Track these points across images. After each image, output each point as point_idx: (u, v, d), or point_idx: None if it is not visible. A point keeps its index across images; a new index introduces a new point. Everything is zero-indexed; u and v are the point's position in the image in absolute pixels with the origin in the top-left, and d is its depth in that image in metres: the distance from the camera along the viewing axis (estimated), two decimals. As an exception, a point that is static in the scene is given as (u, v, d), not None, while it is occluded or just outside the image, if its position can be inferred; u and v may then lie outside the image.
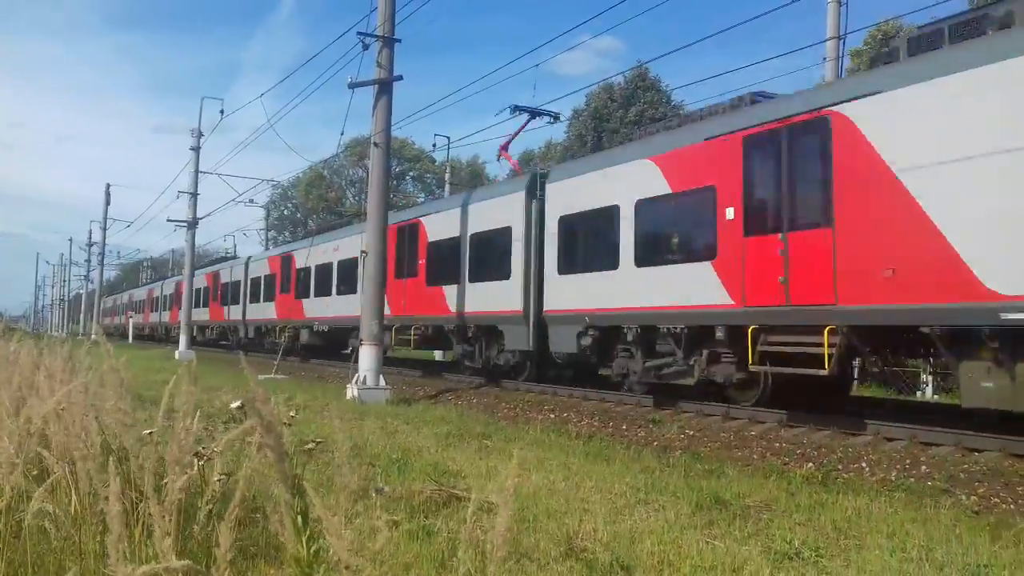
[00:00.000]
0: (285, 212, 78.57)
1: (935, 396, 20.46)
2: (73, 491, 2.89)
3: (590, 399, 15.20)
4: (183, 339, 35.74)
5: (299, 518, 2.02)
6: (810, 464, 9.61)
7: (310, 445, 3.25)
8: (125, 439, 2.70)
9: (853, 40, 33.92)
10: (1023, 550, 5.70)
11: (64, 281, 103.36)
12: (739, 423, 11.85)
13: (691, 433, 11.65)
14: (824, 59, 19.51)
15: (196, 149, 36.40)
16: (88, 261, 77.73)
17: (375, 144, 17.20)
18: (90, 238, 74.48)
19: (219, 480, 2.75)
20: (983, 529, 6.45)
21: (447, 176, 44.27)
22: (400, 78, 17.32)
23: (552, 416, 13.91)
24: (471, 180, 63.21)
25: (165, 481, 2.44)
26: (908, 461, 9.15)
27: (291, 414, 3.08)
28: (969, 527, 6.48)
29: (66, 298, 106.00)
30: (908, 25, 30.69)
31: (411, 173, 75.31)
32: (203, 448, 2.87)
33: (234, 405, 2.71)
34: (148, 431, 2.70)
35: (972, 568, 5.16)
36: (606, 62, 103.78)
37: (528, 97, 72.18)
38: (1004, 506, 7.73)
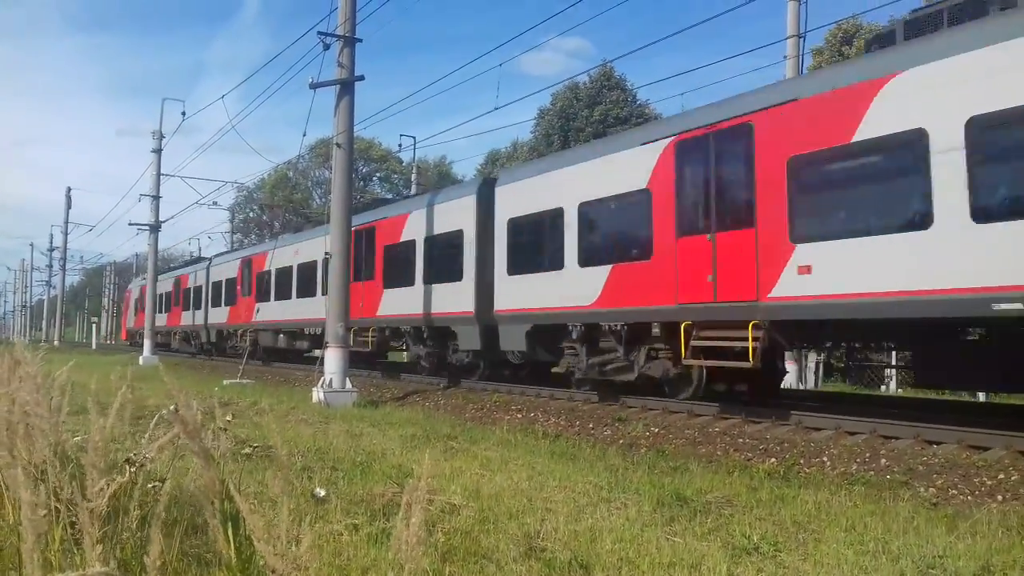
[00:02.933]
0: (251, 214, 77.85)
1: (899, 390, 20.75)
2: (6, 499, 2.81)
3: (557, 398, 15.20)
4: (147, 344, 35.26)
5: (229, 523, 1.96)
6: (772, 459, 9.69)
7: (247, 450, 3.18)
8: (42, 446, 2.62)
9: (814, 38, 34.33)
10: (979, 541, 5.78)
11: (26, 287, 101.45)
12: (704, 419, 11.91)
13: (656, 430, 11.69)
14: (785, 57, 19.72)
15: (158, 151, 35.93)
16: (50, 266, 76.59)
17: (337, 145, 17.05)
18: (51, 243, 73.33)
19: (153, 486, 2.69)
20: (940, 520, 6.53)
21: (414, 176, 44.11)
22: (362, 78, 17.20)
23: (519, 416, 13.89)
24: (439, 181, 63.01)
25: (99, 488, 2.39)
26: (868, 454, 9.25)
27: (227, 418, 3.00)
28: (927, 519, 6.56)
29: (28, 304, 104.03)
30: (868, 23, 31.17)
31: (378, 174, 75.07)
32: (135, 454, 2.80)
33: (164, 412, 2.64)
34: (77, 437, 2.63)
35: (928, 559, 5.21)
36: (575, 62, 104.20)
37: (492, 97, 72.08)
38: (962, 497, 7.84)
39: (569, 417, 13.30)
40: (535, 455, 9.27)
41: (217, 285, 35.94)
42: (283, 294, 28.33)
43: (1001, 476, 8.13)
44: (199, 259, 46.59)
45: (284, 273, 28.48)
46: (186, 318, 40.78)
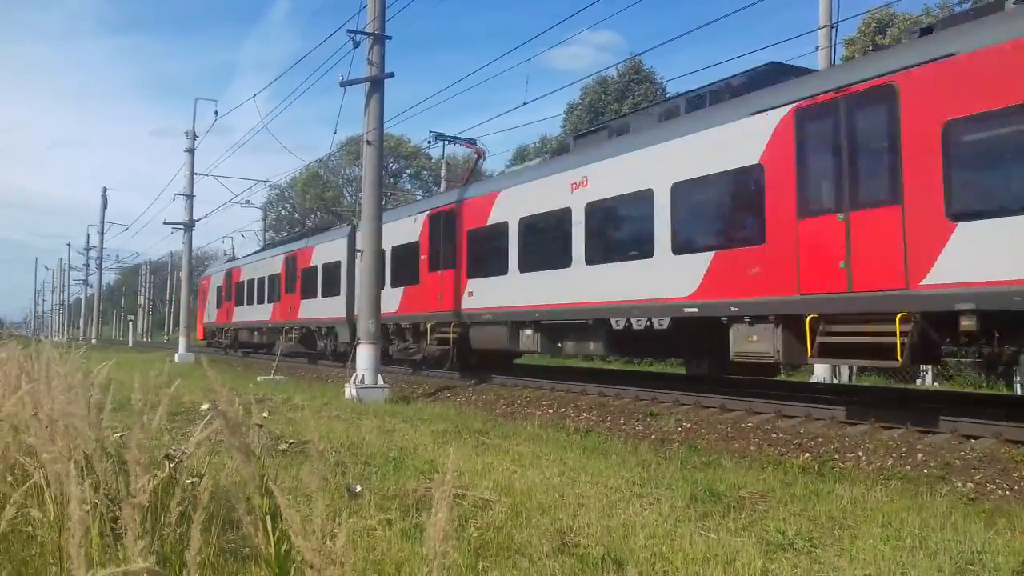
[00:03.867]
0: (283, 212, 78.66)
1: (935, 384, 20.47)
2: (47, 495, 2.88)
3: (588, 393, 15.18)
4: (182, 341, 35.78)
5: (268, 519, 2.00)
6: (806, 454, 9.60)
7: (283, 446, 3.23)
8: (85, 442, 2.68)
9: (847, 28, 33.86)
10: (1018, 536, 5.69)
11: (63, 286, 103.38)
12: (736, 414, 11.83)
13: (688, 425, 11.64)
14: (817, 48, 19.48)
15: (191, 151, 36.42)
16: (87, 265, 77.89)
17: (368, 142, 17.16)
18: (87, 242, 74.60)
19: (192, 482, 2.73)
20: (978, 516, 6.45)
21: (443, 172, 44.30)
22: (391, 75, 17.31)
23: (550, 411, 13.90)
24: (469, 177, 63.05)
25: (141, 484, 2.44)
26: (904, 449, 9.14)
27: (263, 415, 3.04)
28: (964, 514, 6.47)
29: (66, 303, 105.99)
30: (901, 12, 30.71)
31: (408, 171, 75.49)
32: (173, 450, 2.85)
33: (204, 407, 2.69)
34: (119, 434, 2.69)
35: (966, 555, 5.15)
36: (606, 56, 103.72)
37: (522, 92, 72.06)
38: (1000, 492, 7.72)
39: (600, 412, 13.29)
40: (566, 450, 9.28)
41: None
42: (553, 259, 15.87)
43: (1041, 471, 7.99)
44: (322, 228, 34.37)
45: (550, 224, 15.99)
46: (310, 309, 27.93)
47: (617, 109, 43.58)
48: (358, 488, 4.27)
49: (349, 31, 17.04)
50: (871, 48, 29.08)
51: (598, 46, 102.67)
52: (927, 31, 10.56)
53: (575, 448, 9.57)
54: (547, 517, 5.84)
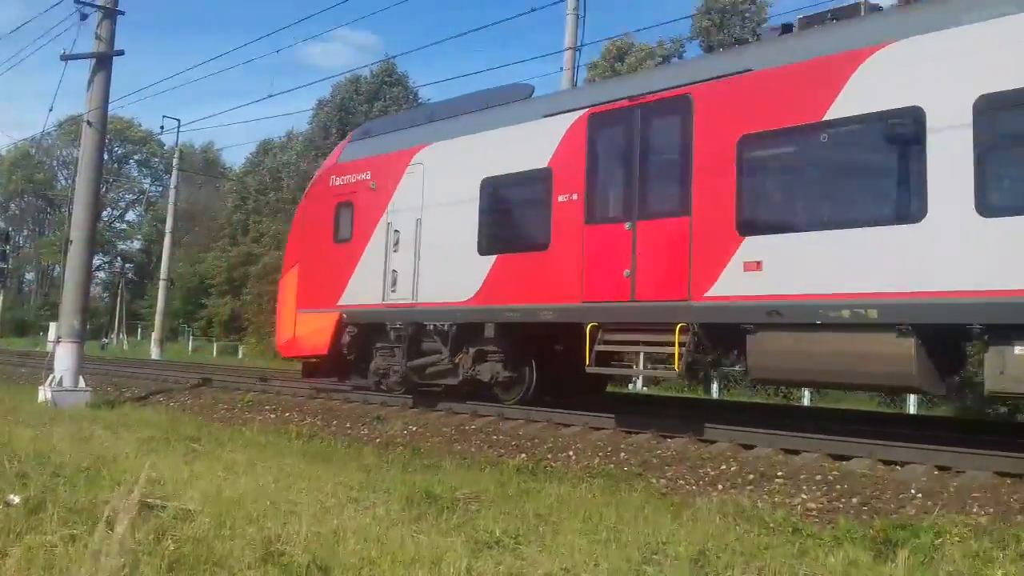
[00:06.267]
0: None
1: (644, 388, 22.24)
2: None
3: (316, 397, 14.83)
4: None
5: None
6: (523, 455, 9.99)
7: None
8: None
9: (592, 51, 35.78)
10: (698, 527, 6.26)
11: None
12: (462, 418, 12.08)
13: (414, 428, 11.70)
14: (562, 68, 20.28)
15: None
16: None
17: (88, 123, 15.77)
18: None
19: None
20: (667, 509, 7.03)
21: (175, 161, 41.63)
22: (121, 53, 16.11)
23: (272, 416, 13.41)
24: (206, 168, 59.95)
25: None
26: (610, 448, 9.78)
27: None
28: (655, 508, 7.03)
29: None
30: (639, 43, 33.19)
31: (135, 156, 70.24)
32: None
33: None
34: None
35: (653, 545, 5.58)
36: (366, 56, 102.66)
37: (267, 84, 69.49)
38: (688, 487, 8.47)
39: (326, 417, 13.01)
40: (285, 456, 9.00)
41: None
42: None
43: (723, 467, 8.86)
44: None
45: None
46: None
47: (367, 110, 43.20)
48: (16, 500, 3.81)
49: (77, 1, 15.51)
50: (610, 73, 31.11)
51: (359, 46, 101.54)
52: (788, 28, 10.21)
53: (295, 454, 9.30)
54: (254, 526, 5.57)
